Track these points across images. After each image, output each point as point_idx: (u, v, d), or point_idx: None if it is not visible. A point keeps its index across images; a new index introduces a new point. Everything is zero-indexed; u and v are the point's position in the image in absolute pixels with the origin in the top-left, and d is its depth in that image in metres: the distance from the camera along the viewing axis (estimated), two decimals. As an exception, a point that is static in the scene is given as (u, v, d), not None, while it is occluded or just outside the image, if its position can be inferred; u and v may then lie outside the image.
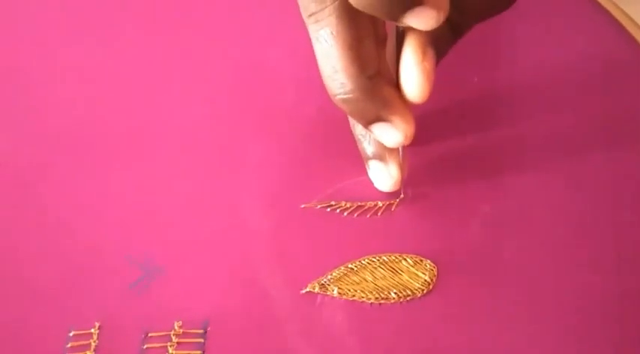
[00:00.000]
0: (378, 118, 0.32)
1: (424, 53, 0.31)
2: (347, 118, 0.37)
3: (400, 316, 0.33)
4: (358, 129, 0.36)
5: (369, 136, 0.35)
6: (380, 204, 0.36)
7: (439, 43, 0.33)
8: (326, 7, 0.30)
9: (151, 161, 0.38)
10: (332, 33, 0.31)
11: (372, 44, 0.31)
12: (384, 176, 0.36)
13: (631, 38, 0.42)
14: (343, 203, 0.36)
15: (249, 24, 0.44)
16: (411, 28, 0.30)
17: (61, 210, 0.36)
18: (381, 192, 0.36)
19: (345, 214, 0.36)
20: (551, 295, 0.33)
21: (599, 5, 0.43)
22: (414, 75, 0.31)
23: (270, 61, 0.42)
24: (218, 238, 0.35)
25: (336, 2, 0.30)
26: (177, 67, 0.42)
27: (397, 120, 0.32)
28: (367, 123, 0.33)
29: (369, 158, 0.36)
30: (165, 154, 0.38)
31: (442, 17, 0.29)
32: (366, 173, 0.37)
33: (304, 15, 0.31)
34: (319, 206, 0.36)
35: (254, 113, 0.40)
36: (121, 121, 0.40)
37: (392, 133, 0.33)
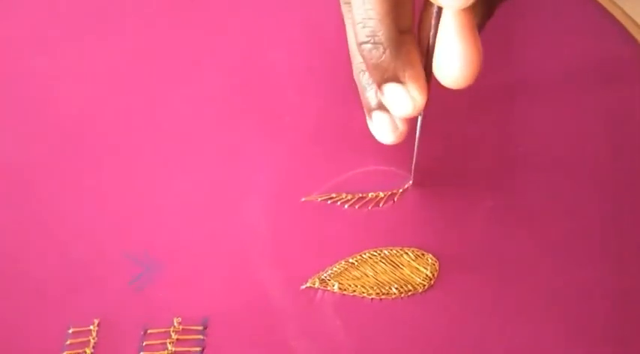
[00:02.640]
0: (395, 78, 0.31)
1: (474, 35, 0.29)
2: (346, 111, 0.36)
3: (401, 311, 0.32)
4: (364, 77, 0.34)
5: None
6: (382, 194, 0.36)
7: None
8: None
9: (150, 158, 0.38)
10: None
11: (410, 2, 0.30)
12: (388, 127, 0.33)
13: (631, 37, 0.41)
14: (344, 195, 0.36)
15: (250, 22, 0.43)
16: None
17: (61, 207, 0.36)
18: (383, 183, 0.36)
19: (347, 206, 0.36)
20: (553, 290, 0.33)
21: (599, 5, 0.43)
22: (467, 56, 0.29)
23: (270, 57, 0.42)
24: (218, 233, 0.35)
25: None
26: (177, 65, 0.42)
27: (413, 85, 0.31)
28: (382, 80, 0.31)
29: (372, 109, 0.34)
30: (164, 150, 0.38)
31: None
32: (367, 165, 0.36)
33: None
34: (320, 199, 0.36)
35: (254, 108, 0.39)
36: (121, 120, 0.39)
37: (403, 99, 0.31)
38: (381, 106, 0.33)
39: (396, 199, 0.36)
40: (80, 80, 0.41)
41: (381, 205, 0.36)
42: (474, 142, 0.37)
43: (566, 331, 0.32)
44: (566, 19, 0.43)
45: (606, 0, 0.43)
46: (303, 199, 0.36)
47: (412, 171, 0.35)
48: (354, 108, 0.35)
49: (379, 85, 0.32)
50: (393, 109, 0.32)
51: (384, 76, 0.31)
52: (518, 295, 0.32)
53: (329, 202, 0.36)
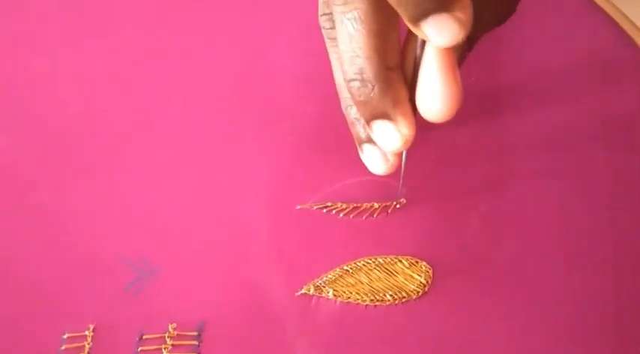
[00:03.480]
0: (384, 115, 0.31)
1: (455, 72, 0.30)
2: (344, 119, 0.36)
3: (395, 318, 0.33)
4: (352, 111, 0.34)
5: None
6: (376, 205, 0.36)
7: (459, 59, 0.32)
8: None
9: (147, 164, 0.38)
10: (360, 17, 0.30)
11: (396, 37, 0.31)
12: (379, 160, 0.34)
13: (629, 39, 0.42)
14: (339, 204, 0.36)
15: (249, 24, 0.44)
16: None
17: (57, 211, 0.36)
18: (377, 194, 0.36)
19: (341, 215, 0.36)
20: (547, 297, 0.33)
21: (597, 6, 0.43)
22: (447, 93, 0.30)
23: (267, 62, 0.42)
24: (213, 239, 0.35)
25: None
26: (176, 68, 0.42)
27: (402, 122, 0.31)
28: (371, 117, 0.32)
29: (362, 141, 0.34)
30: (161, 155, 0.38)
31: (463, 34, 0.28)
32: (363, 175, 0.36)
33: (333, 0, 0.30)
34: (315, 207, 0.36)
35: (250, 115, 0.40)
36: (118, 123, 0.40)
37: (392, 135, 0.32)
38: (371, 139, 0.34)
39: (389, 211, 0.36)
40: (79, 83, 0.42)
41: (375, 215, 0.36)
42: (468, 148, 0.38)
43: (560, 336, 0.32)
44: (564, 22, 0.43)
45: (605, 2, 0.43)
46: (298, 207, 0.36)
47: (400, 188, 0.36)
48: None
49: (367, 122, 0.32)
50: (383, 145, 0.32)
51: (373, 113, 0.31)
52: (512, 301, 0.33)
53: (324, 210, 0.36)
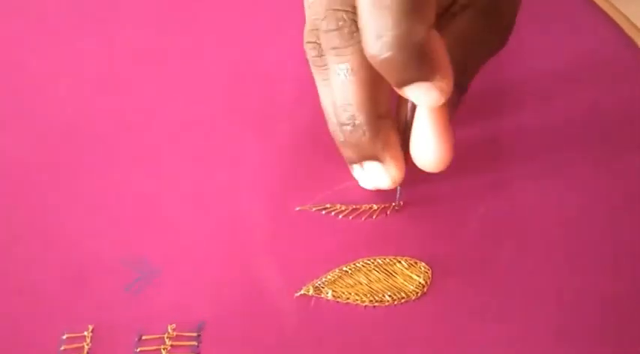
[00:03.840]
0: (374, 157, 0.34)
1: (446, 126, 0.32)
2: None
3: (394, 319, 0.33)
4: (341, 134, 0.34)
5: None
6: (375, 207, 0.36)
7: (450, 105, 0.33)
8: (350, 46, 0.31)
9: (146, 164, 0.38)
10: (352, 69, 0.32)
11: (388, 86, 0.32)
12: (382, 174, 0.35)
13: (629, 39, 0.42)
14: (338, 206, 0.36)
15: (248, 23, 0.44)
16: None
17: (55, 212, 0.36)
18: (376, 195, 0.36)
19: (340, 216, 0.36)
20: (547, 298, 0.33)
21: (597, 6, 0.43)
22: (439, 148, 0.32)
23: (266, 63, 0.42)
24: (213, 240, 0.35)
25: (360, 44, 0.30)
26: (174, 67, 0.42)
27: (391, 164, 0.34)
28: (362, 158, 0.34)
29: (354, 161, 0.35)
30: (161, 155, 0.38)
31: (444, 100, 0.30)
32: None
33: (326, 46, 0.32)
34: (314, 209, 0.36)
35: (249, 116, 0.40)
36: (116, 123, 0.40)
37: (381, 176, 0.34)
38: (362, 158, 0.35)
39: (388, 213, 0.36)
40: (78, 82, 0.42)
41: (374, 217, 0.36)
42: (467, 149, 0.38)
43: (560, 337, 0.32)
44: (563, 22, 0.43)
45: (604, 2, 0.43)
46: (298, 209, 0.36)
47: (399, 190, 0.36)
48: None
49: (359, 161, 0.34)
50: (373, 182, 0.35)
51: (363, 155, 0.34)
52: (511, 301, 0.33)
53: (323, 212, 0.36)
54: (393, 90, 0.32)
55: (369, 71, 0.31)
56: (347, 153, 0.35)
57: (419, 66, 0.29)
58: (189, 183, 0.37)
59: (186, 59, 0.43)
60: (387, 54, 0.28)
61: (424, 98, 0.30)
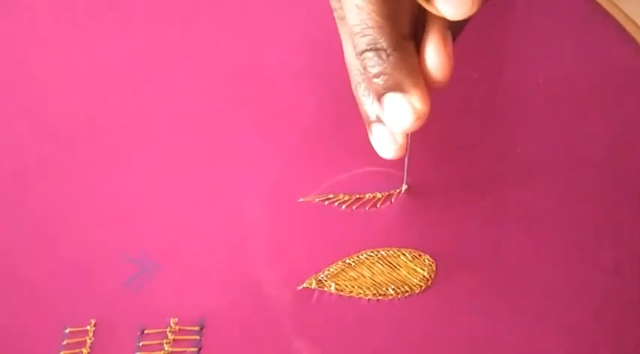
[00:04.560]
0: (397, 87, 0.30)
1: (445, 38, 0.30)
2: (344, 112, 0.36)
3: (398, 312, 0.32)
4: (361, 89, 0.33)
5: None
6: (379, 195, 0.36)
7: (453, 29, 0.32)
8: None
9: (147, 158, 0.38)
10: None
11: (407, 5, 0.30)
12: (389, 140, 0.33)
13: (630, 38, 0.41)
14: (341, 196, 0.36)
15: (248, 21, 0.43)
16: (431, 16, 0.29)
17: (57, 207, 0.36)
18: (380, 184, 0.36)
19: (344, 207, 0.36)
20: (550, 292, 0.33)
21: (599, 5, 0.43)
22: (439, 58, 0.30)
23: (268, 56, 0.41)
24: (215, 233, 0.35)
25: None
26: (175, 64, 0.42)
27: (416, 95, 0.30)
28: (384, 89, 0.30)
29: (372, 122, 0.33)
30: (161, 150, 0.38)
31: (475, 9, 0.28)
32: (365, 165, 0.36)
33: None
34: (317, 200, 0.36)
35: (252, 108, 0.39)
36: (118, 119, 0.39)
37: (405, 109, 0.30)
38: (381, 119, 0.33)
39: (393, 200, 0.36)
40: (77, 80, 0.41)
41: (378, 206, 0.36)
42: (472, 143, 0.37)
43: (563, 331, 0.32)
44: (565, 21, 0.43)
45: (605, 1, 0.43)
46: (300, 200, 0.36)
47: (405, 175, 0.35)
48: (352, 108, 0.35)
49: (379, 97, 0.31)
50: (394, 121, 0.31)
51: (386, 85, 0.30)
52: (515, 295, 0.33)
53: (326, 203, 0.36)
54: (413, 8, 0.30)
55: None
56: (366, 106, 0.33)
57: None
58: (191, 177, 0.37)
59: (188, 56, 0.42)
60: None
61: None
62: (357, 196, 0.36)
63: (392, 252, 0.34)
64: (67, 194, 0.36)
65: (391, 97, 0.30)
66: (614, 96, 0.39)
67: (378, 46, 0.30)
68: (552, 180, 0.36)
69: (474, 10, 0.28)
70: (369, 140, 0.35)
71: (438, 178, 0.36)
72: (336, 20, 0.33)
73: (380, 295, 0.33)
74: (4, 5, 0.45)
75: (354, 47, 0.31)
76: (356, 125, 0.35)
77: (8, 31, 0.44)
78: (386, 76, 0.30)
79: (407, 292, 0.33)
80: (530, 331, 0.32)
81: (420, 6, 0.30)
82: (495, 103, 0.39)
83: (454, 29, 0.32)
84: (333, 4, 0.32)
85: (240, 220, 0.35)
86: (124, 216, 0.36)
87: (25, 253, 0.34)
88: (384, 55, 0.30)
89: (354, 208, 0.36)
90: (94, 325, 0.32)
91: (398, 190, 0.36)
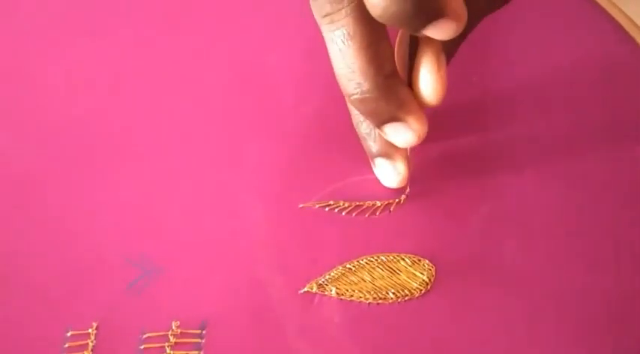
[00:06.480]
0: (393, 118, 0.32)
1: (439, 61, 0.32)
2: (345, 117, 0.36)
3: (398, 316, 0.33)
4: (363, 127, 0.35)
5: (374, 134, 0.35)
6: (378, 204, 0.36)
7: (449, 47, 0.33)
8: (342, 9, 0.30)
9: (148, 161, 0.38)
10: (348, 33, 0.30)
11: (387, 44, 0.31)
12: (391, 173, 0.35)
13: (630, 38, 0.42)
14: (342, 203, 0.36)
15: (248, 24, 0.44)
16: (425, 37, 0.30)
17: (59, 210, 0.36)
18: (379, 192, 0.36)
19: (344, 213, 0.36)
20: (550, 295, 0.33)
21: (598, 5, 0.43)
22: (431, 82, 0.32)
23: (268, 61, 0.42)
24: (216, 237, 0.35)
25: (353, 3, 0.30)
26: (175, 68, 0.42)
27: (412, 120, 0.32)
28: (381, 123, 0.33)
29: (374, 156, 0.36)
30: (163, 153, 0.38)
31: (461, 27, 0.29)
32: (365, 173, 0.37)
33: (318, 15, 0.31)
34: (317, 206, 0.36)
35: (252, 113, 0.40)
36: (120, 122, 0.40)
37: (405, 133, 0.33)
38: (382, 154, 0.35)
39: (392, 209, 0.36)
40: (80, 83, 0.42)
41: (377, 213, 0.36)
42: (470, 147, 0.38)
43: (563, 335, 0.32)
44: (563, 20, 0.43)
45: (605, 1, 0.43)
46: (301, 206, 0.36)
47: (407, 188, 0.36)
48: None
49: (378, 128, 0.33)
50: (398, 143, 0.33)
51: (382, 119, 0.33)
52: (515, 299, 0.33)
53: (326, 209, 0.36)
54: (392, 46, 0.31)
55: (366, 33, 0.30)
56: (368, 142, 0.35)
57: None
58: (193, 181, 0.37)
59: (188, 60, 0.43)
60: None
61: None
62: (357, 203, 0.36)
63: (392, 257, 0.34)
64: (68, 198, 0.37)
65: (390, 127, 0.33)
66: (614, 96, 0.40)
67: (364, 89, 0.31)
68: (550, 182, 0.37)
69: (462, 25, 0.29)
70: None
71: (436, 183, 0.36)
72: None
73: (380, 298, 0.33)
74: (7, 6, 0.46)
75: (343, 90, 0.32)
76: (357, 132, 0.36)
77: (8, 31, 0.44)
78: (378, 114, 0.32)
79: (407, 295, 0.33)
80: (530, 335, 0.32)
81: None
82: (492, 107, 0.39)
83: (449, 48, 0.33)
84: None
85: (242, 224, 0.36)
86: (126, 219, 0.36)
87: (27, 256, 0.35)
88: (371, 97, 0.32)
89: (353, 215, 0.36)
90: (96, 328, 0.32)
91: (397, 200, 0.36)
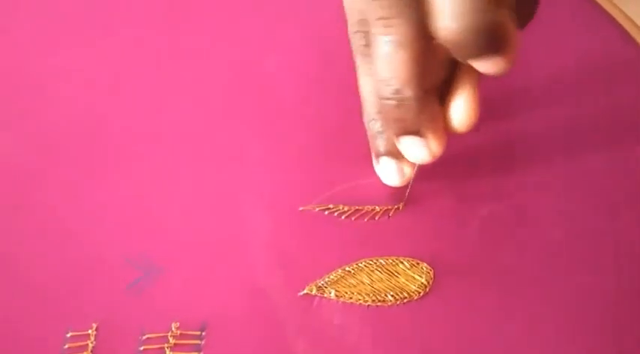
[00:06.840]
0: (416, 132, 0.32)
1: (475, 91, 0.32)
2: (347, 120, 0.37)
3: (397, 318, 0.33)
4: (376, 125, 0.35)
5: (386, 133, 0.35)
6: (377, 209, 0.37)
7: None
8: (400, 17, 0.30)
9: (149, 162, 0.38)
10: (400, 42, 0.30)
11: (435, 59, 0.31)
12: (395, 173, 0.35)
13: (630, 38, 0.42)
14: (341, 207, 0.37)
15: (248, 24, 0.44)
16: (468, 65, 0.30)
17: (59, 211, 0.36)
18: (379, 196, 0.36)
19: (343, 217, 0.36)
20: (549, 297, 0.33)
21: (599, 6, 0.43)
22: (467, 111, 0.32)
23: (269, 64, 0.42)
24: (216, 239, 0.35)
25: (413, 15, 0.29)
26: (176, 68, 0.42)
27: (432, 139, 0.32)
28: (402, 133, 0.33)
29: (381, 154, 0.35)
30: (164, 155, 0.39)
31: (510, 67, 0.29)
32: (365, 177, 0.37)
33: (372, 17, 0.30)
34: (317, 209, 0.36)
35: (253, 116, 0.40)
36: (120, 122, 0.40)
37: (421, 149, 0.33)
38: (389, 153, 0.35)
39: (391, 215, 0.36)
40: (82, 83, 0.42)
41: (376, 218, 0.36)
42: (469, 150, 0.38)
43: (563, 337, 0.32)
44: (564, 21, 0.44)
45: (605, 1, 0.43)
46: (301, 209, 0.36)
47: (407, 194, 0.36)
48: (355, 119, 0.36)
49: (397, 136, 0.33)
50: (410, 156, 0.33)
51: (405, 130, 0.32)
52: (513, 302, 0.33)
53: (326, 212, 0.36)
54: (440, 64, 0.31)
55: (418, 45, 0.30)
56: (377, 140, 0.35)
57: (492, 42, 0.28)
58: (193, 182, 0.37)
59: (189, 60, 0.43)
60: (466, 32, 0.28)
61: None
62: (357, 207, 0.37)
63: (391, 260, 0.35)
64: (68, 198, 0.37)
65: (408, 140, 0.33)
66: (614, 97, 0.40)
67: (400, 97, 0.31)
68: (549, 184, 0.37)
69: (511, 66, 0.29)
70: (369, 151, 0.36)
71: (434, 186, 0.37)
72: (355, 54, 0.34)
73: (379, 301, 0.33)
74: (7, 6, 0.46)
75: (376, 91, 0.32)
76: (358, 135, 0.36)
77: (8, 31, 0.44)
78: (406, 123, 0.32)
79: (405, 298, 0.33)
80: (529, 336, 0.32)
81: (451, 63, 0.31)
82: (492, 109, 0.39)
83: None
84: (358, 40, 0.33)
85: (242, 226, 0.36)
86: (126, 220, 0.36)
87: (27, 257, 0.35)
88: (406, 106, 0.31)
89: (352, 219, 0.36)
90: (96, 329, 0.32)
91: (396, 206, 0.36)
